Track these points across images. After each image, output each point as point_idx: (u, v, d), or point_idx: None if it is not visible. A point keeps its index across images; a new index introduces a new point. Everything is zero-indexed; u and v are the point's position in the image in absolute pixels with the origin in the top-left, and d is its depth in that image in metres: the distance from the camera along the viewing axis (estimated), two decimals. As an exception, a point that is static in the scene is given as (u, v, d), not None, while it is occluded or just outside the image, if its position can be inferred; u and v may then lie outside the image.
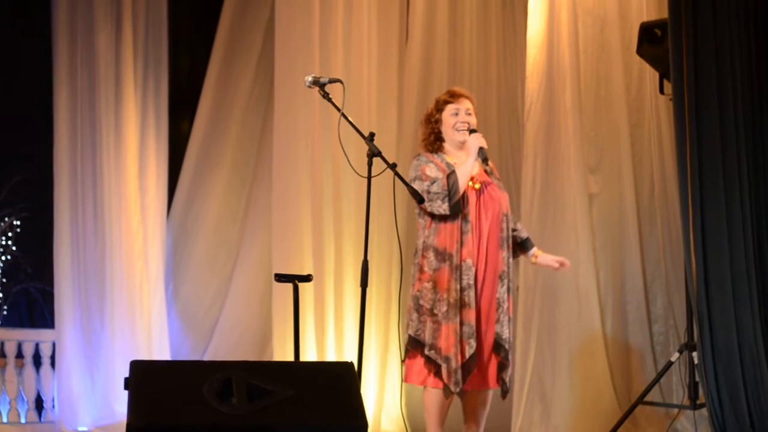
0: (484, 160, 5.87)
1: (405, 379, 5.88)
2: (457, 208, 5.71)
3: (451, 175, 5.73)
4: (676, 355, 7.18)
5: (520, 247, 6.09)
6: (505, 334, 5.80)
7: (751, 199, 7.08)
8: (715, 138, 6.98)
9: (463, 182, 5.74)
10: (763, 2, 7.28)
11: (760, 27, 7.28)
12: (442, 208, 5.71)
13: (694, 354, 6.96)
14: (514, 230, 6.03)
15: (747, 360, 6.87)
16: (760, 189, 7.17)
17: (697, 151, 6.91)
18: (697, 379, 7.00)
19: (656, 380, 7.27)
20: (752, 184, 7.11)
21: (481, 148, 5.81)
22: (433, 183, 5.73)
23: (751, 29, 7.22)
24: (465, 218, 5.75)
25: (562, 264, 6.11)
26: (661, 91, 7.61)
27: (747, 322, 6.92)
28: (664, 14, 7.16)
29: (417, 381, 5.80)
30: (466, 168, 5.78)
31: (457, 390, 5.65)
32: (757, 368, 6.89)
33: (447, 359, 5.64)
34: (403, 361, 5.87)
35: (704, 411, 6.97)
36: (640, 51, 7.52)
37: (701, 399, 7.02)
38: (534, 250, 6.09)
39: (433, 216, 5.78)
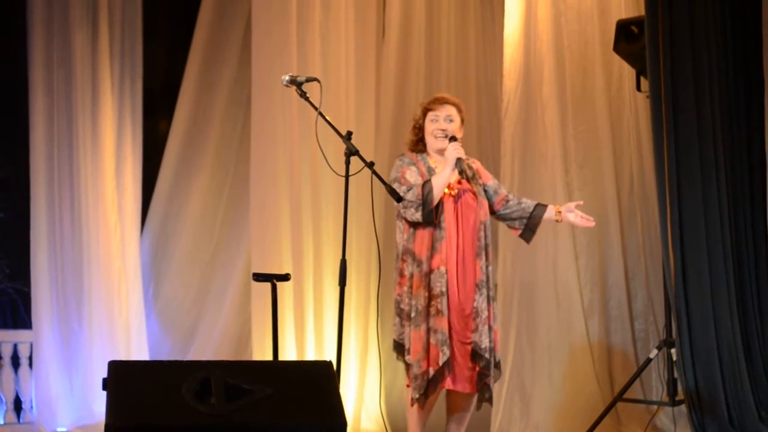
0: (461, 172, 5.85)
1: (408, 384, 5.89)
2: (429, 218, 5.71)
3: (426, 183, 5.72)
4: (655, 351, 7.20)
5: (534, 217, 5.99)
6: (484, 343, 5.75)
7: (728, 196, 7.12)
8: (692, 135, 7.02)
9: (437, 192, 5.72)
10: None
11: (736, 23, 7.32)
12: (415, 216, 5.72)
13: (673, 350, 6.99)
14: (519, 203, 6.01)
15: (725, 356, 6.91)
16: (737, 185, 7.22)
17: (674, 148, 6.95)
18: (676, 375, 7.02)
19: (634, 377, 7.29)
20: (729, 181, 7.16)
21: (458, 159, 5.79)
22: (409, 190, 5.73)
23: (727, 25, 7.27)
24: (439, 225, 5.74)
25: (585, 220, 6.00)
26: (638, 88, 7.63)
27: (725, 319, 6.96)
28: (643, 11, 7.18)
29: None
30: (442, 178, 5.76)
31: (416, 396, 5.63)
32: (736, 364, 6.93)
33: (415, 364, 5.65)
34: (399, 360, 5.87)
35: (683, 407, 7.00)
36: (617, 48, 7.54)
37: (680, 395, 7.04)
38: (552, 212, 5.99)
39: (408, 220, 5.79)
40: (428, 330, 5.66)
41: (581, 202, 6.03)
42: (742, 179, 7.27)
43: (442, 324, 5.66)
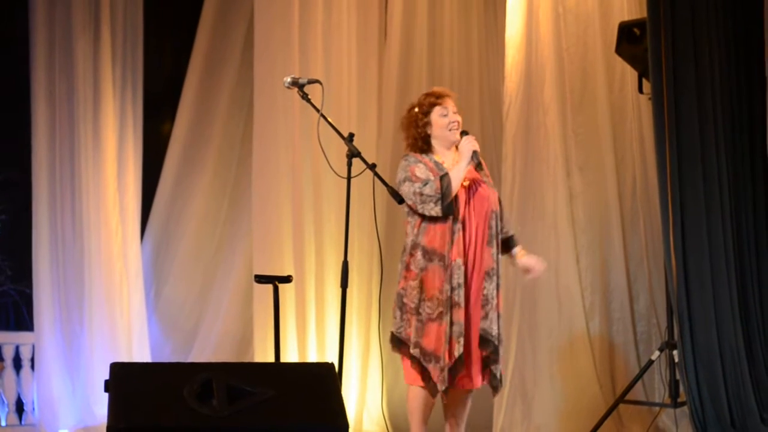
0: (478, 165, 5.87)
1: (405, 379, 5.87)
2: (449, 210, 5.68)
3: (444, 177, 5.70)
4: (657, 353, 7.20)
5: (504, 245, 6.03)
6: (494, 330, 5.76)
7: (730, 198, 7.12)
8: (694, 137, 7.01)
9: (456, 185, 5.71)
10: (740, 2, 7.33)
11: (738, 25, 7.32)
12: (434, 210, 5.67)
13: (675, 352, 6.99)
14: (504, 219, 6.02)
15: (727, 358, 6.91)
16: (738, 187, 7.21)
17: (676, 150, 6.94)
18: (678, 377, 7.02)
19: (636, 379, 7.29)
20: (731, 183, 7.15)
21: (474, 152, 5.80)
22: (425, 185, 5.69)
23: (729, 28, 7.26)
24: (455, 218, 5.73)
25: (534, 267, 6.07)
26: (640, 90, 7.62)
27: (727, 320, 6.95)
28: (645, 13, 7.18)
29: (411, 381, 5.79)
30: (460, 171, 5.74)
31: (443, 389, 5.65)
32: (737, 366, 6.92)
33: (437, 358, 5.64)
34: (401, 357, 5.86)
35: (685, 409, 6.99)
36: (619, 50, 7.54)
37: (682, 397, 7.04)
38: (517, 250, 6.04)
39: (423, 216, 5.77)
40: (450, 323, 5.66)
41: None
42: (744, 181, 7.26)
43: (459, 316, 5.67)
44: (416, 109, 5.95)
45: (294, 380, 4.67)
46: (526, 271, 6.08)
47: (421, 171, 5.77)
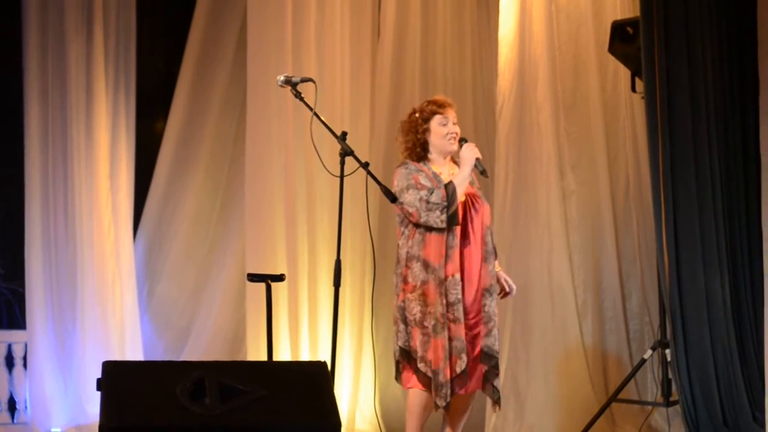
0: (483, 172, 5.81)
1: (405, 384, 5.85)
2: (453, 221, 5.66)
3: (449, 185, 5.68)
4: (649, 352, 7.20)
5: None
6: (496, 346, 5.80)
7: (723, 197, 7.13)
8: (687, 136, 7.02)
9: (460, 193, 5.68)
10: (734, 1, 7.33)
11: (731, 24, 7.33)
12: (440, 219, 5.62)
13: (667, 351, 7.00)
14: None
15: (719, 357, 6.92)
16: (731, 187, 7.22)
17: (669, 149, 6.95)
18: (671, 376, 7.03)
19: (629, 378, 7.30)
20: (724, 182, 7.16)
21: (477, 159, 5.78)
22: (431, 193, 5.66)
23: (722, 27, 7.27)
24: (452, 232, 5.70)
25: (508, 290, 6.08)
26: (633, 89, 7.63)
27: (719, 319, 6.96)
28: (638, 12, 7.18)
29: (412, 385, 5.78)
30: (464, 180, 5.72)
31: (444, 405, 5.64)
32: (730, 365, 6.94)
33: (436, 373, 5.63)
34: (399, 374, 5.84)
35: (678, 408, 7.00)
36: (612, 49, 7.54)
37: (675, 396, 7.05)
38: (495, 263, 6.01)
39: (417, 226, 5.74)
40: (449, 338, 5.64)
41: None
42: (736, 181, 7.27)
43: (459, 331, 5.64)
44: (417, 115, 5.93)
45: (286, 379, 4.67)
46: (500, 287, 6.05)
47: (424, 179, 5.74)
